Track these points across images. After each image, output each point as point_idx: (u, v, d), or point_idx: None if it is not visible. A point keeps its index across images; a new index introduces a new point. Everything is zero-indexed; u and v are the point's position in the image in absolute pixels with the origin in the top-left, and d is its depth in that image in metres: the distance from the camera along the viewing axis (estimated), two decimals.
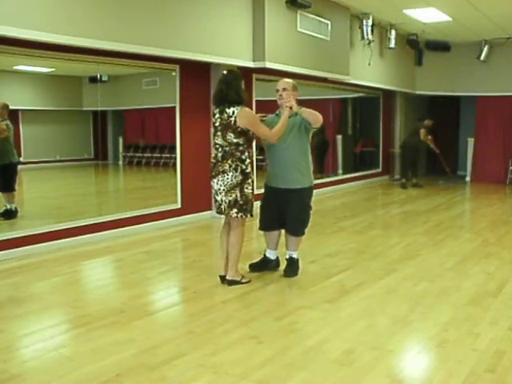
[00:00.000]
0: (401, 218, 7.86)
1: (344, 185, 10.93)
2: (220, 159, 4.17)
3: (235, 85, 4.14)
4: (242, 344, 3.19)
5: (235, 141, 4.12)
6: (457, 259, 5.22)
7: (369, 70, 10.19)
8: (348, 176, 11.29)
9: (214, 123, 4.23)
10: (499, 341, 3.24)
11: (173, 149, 7.29)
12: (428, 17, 9.25)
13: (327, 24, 8.37)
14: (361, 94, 11.56)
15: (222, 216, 4.35)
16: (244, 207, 4.16)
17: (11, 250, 5.19)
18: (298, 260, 4.68)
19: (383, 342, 3.23)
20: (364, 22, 9.35)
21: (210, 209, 7.26)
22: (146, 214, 6.65)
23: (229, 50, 6.82)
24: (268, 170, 4.64)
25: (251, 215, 4.24)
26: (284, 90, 4.40)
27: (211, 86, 7.22)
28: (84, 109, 8.42)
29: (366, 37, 9.46)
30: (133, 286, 4.39)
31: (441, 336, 3.32)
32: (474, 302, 3.97)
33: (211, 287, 4.28)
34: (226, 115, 4.12)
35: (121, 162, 10.06)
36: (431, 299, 4.03)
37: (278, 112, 4.50)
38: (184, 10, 6.14)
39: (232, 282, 4.27)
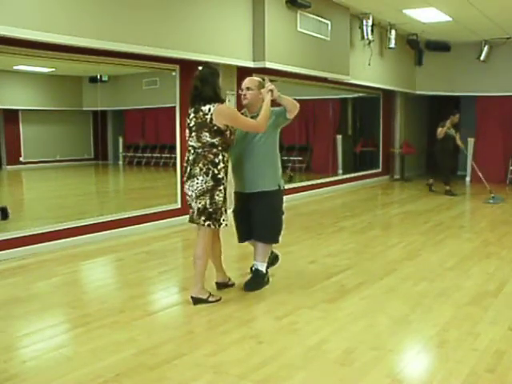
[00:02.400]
0: (401, 218, 7.86)
1: (344, 185, 10.93)
2: (192, 162, 3.83)
3: (211, 81, 3.80)
4: (242, 344, 3.19)
5: (210, 141, 3.76)
6: (457, 259, 5.22)
7: (369, 70, 10.18)
8: (348, 176, 11.29)
9: (189, 124, 3.87)
10: (499, 341, 3.24)
11: (173, 149, 7.29)
12: (428, 17, 9.25)
13: (327, 24, 8.37)
14: (361, 94, 11.56)
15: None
16: (213, 216, 3.80)
17: (11, 250, 5.18)
18: (264, 274, 4.27)
19: (383, 341, 3.23)
20: (364, 21, 9.35)
21: None
22: (146, 214, 6.65)
23: (229, 49, 6.82)
24: (232, 173, 4.22)
25: (219, 226, 3.86)
26: (248, 89, 4.08)
27: None
28: (84, 109, 8.42)
29: (365, 37, 9.46)
30: (133, 285, 4.39)
31: (441, 336, 3.32)
32: (474, 301, 3.97)
33: (211, 287, 4.27)
34: (201, 113, 3.77)
35: (121, 162, 10.06)
36: (431, 299, 4.03)
37: (243, 111, 4.18)
38: (184, 10, 6.14)
39: (197, 301, 3.86)
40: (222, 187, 3.82)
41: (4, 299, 4.05)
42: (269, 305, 3.93)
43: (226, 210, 3.91)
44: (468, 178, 12.16)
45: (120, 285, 4.57)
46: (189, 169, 3.85)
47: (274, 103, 4.11)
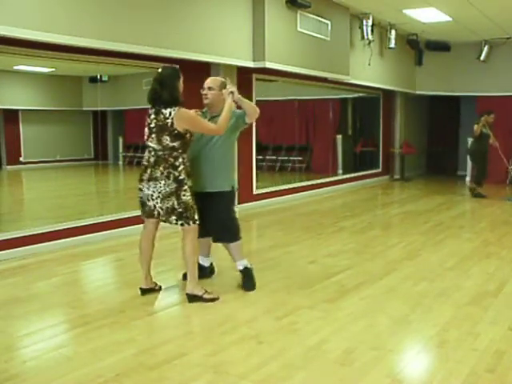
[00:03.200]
0: (401, 218, 7.86)
1: (344, 185, 10.93)
2: (153, 164, 3.87)
3: (170, 84, 3.79)
4: (242, 344, 3.19)
5: (171, 145, 3.80)
6: (457, 259, 5.22)
7: (369, 70, 10.19)
8: (348, 176, 11.29)
9: (149, 124, 3.87)
10: (499, 341, 3.24)
11: None
12: (428, 17, 9.25)
13: (327, 24, 8.37)
14: (361, 94, 11.57)
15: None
16: (184, 215, 3.85)
17: (11, 250, 5.18)
18: (251, 269, 4.32)
19: (383, 341, 3.23)
20: (364, 21, 9.36)
21: None
22: None
23: (229, 49, 6.82)
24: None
25: (194, 223, 3.90)
26: (209, 89, 4.08)
27: None
28: (84, 109, 8.42)
29: (365, 37, 9.46)
30: (133, 285, 4.38)
31: (441, 336, 3.32)
32: (474, 301, 3.97)
33: (211, 287, 4.27)
34: (162, 116, 3.79)
35: (121, 162, 10.06)
36: (431, 299, 4.03)
37: (204, 110, 4.21)
38: (184, 10, 6.14)
39: (192, 298, 3.93)
40: (186, 187, 3.86)
41: (4, 299, 4.05)
42: (269, 305, 3.93)
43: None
44: (468, 178, 12.14)
45: (120, 285, 4.57)
46: (149, 170, 3.89)
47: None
